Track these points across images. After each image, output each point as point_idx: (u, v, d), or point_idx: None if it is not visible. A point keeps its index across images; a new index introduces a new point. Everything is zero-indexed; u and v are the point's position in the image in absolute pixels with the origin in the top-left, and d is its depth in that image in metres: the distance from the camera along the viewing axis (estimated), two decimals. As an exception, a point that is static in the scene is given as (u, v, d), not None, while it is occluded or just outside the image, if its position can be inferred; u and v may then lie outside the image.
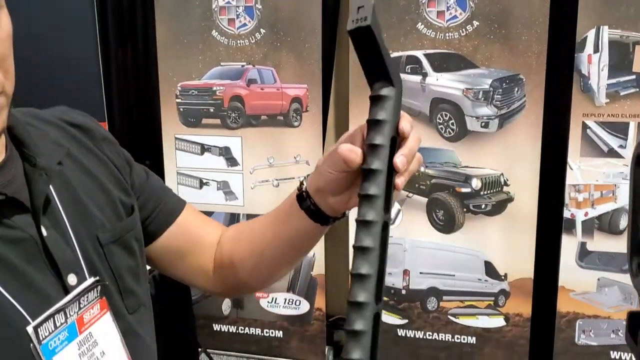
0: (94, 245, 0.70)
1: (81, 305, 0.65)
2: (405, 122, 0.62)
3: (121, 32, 2.64)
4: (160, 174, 2.57)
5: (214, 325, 2.76)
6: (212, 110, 2.52)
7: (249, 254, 0.84)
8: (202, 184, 2.59)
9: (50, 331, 0.60)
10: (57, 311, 0.62)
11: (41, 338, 0.59)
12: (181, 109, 2.55)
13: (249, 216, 2.59)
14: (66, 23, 2.48)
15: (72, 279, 0.65)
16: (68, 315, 0.63)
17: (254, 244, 0.84)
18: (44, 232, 0.64)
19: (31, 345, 0.59)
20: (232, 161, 2.54)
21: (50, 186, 0.68)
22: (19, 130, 0.68)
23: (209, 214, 2.61)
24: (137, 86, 2.69)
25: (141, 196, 0.82)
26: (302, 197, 0.75)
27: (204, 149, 2.56)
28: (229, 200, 2.59)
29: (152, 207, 0.84)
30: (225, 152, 2.54)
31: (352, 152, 0.63)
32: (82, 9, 2.45)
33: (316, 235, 0.79)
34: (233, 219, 2.61)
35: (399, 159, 0.61)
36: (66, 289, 0.65)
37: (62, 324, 0.62)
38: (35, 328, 0.59)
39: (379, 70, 0.62)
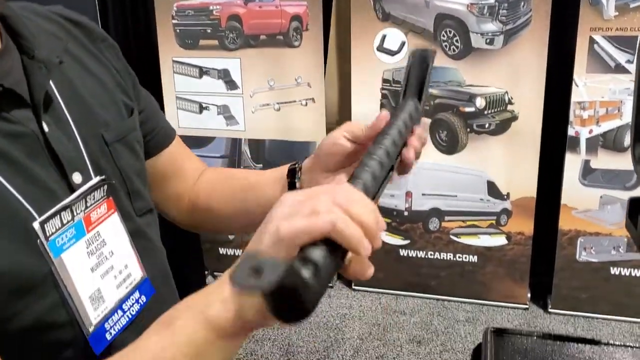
0: (99, 144, 0.68)
1: (88, 204, 0.63)
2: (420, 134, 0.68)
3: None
4: (159, 98, 2.54)
5: (219, 249, 2.79)
6: (209, 31, 2.46)
7: (226, 206, 0.85)
8: (202, 108, 2.56)
9: (57, 228, 0.59)
10: (63, 208, 0.60)
11: (48, 234, 0.58)
12: (178, 31, 2.49)
13: (251, 141, 2.58)
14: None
15: (77, 177, 0.63)
16: (75, 213, 0.62)
17: (234, 200, 0.85)
18: (46, 128, 0.62)
19: (38, 241, 0.58)
20: (231, 84, 2.50)
21: (51, 81, 0.65)
22: (15, 20, 0.65)
23: (209, 139, 2.59)
24: (132, 8, 2.62)
25: (142, 112, 0.81)
26: (294, 172, 0.75)
27: (203, 71, 2.51)
28: (230, 125, 2.57)
29: (150, 128, 0.82)
30: (224, 75, 2.50)
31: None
32: None
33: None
34: (235, 144, 2.60)
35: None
36: (71, 188, 0.62)
37: (68, 221, 0.61)
38: (42, 224, 0.58)
39: (417, 88, 0.71)
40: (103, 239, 0.65)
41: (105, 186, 0.66)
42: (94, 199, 0.64)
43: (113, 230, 0.66)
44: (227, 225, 0.90)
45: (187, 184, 0.89)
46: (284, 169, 0.79)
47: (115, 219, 0.67)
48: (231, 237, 2.79)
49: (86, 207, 0.63)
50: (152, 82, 2.51)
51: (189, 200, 0.89)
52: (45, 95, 0.63)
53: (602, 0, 2.09)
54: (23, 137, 0.60)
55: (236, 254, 2.79)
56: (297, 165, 0.76)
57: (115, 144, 0.70)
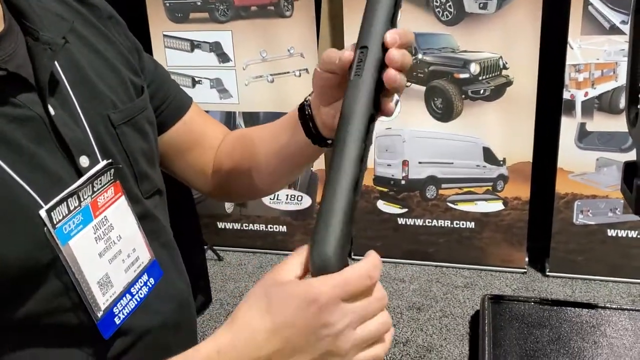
0: (106, 126, 0.66)
1: (95, 189, 0.62)
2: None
3: None
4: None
5: (218, 223, 2.80)
6: (199, 3, 2.42)
7: (247, 164, 0.82)
8: (194, 82, 2.54)
9: (64, 215, 0.58)
10: (70, 194, 0.59)
11: (55, 222, 0.57)
12: (167, 4, 2.45)
13: (245, 114, 2.56)
14: None
15: (84, 160, 0.62)
16: (82, 199, 0.61)
17: (252, 156, 0.82)
18: (52, 111, 0.60)
19: (45, 229, 0.57)
20: (223, 57, 2.48)
21: (56, 63, 0.63)
22: (19, 1, 0.62)
23: (204, 113, 2.58)
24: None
25: (151, 84, 0.79)
26: (304, 108, 0.72)
27: (194, 45, 2.48)
28: (224, 98, 2.55)
29: (162, 98, 0.80)
30: (216, 48, 2.47)
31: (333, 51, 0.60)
32: None
33: (310, 155, 0.76)
34: (229, 117, 2.58)
35: (389, 35, 0.57)
36: (79, 172, 0.61)
37: (75, 207, 0.60)
38: (48, 212, 0.57)
39: None
40: (111, 224, 0.64)
41: (112, 170, 0.65)
42: (100, 183, 0.63)
43: (120, 214, 0.66)
44: (252, 184, 0.83)
45: (210, 153, 0.86)
46: (294, 109, 0.75)
47: (122, 203, 0.66)
48: (229, 210, 2.79)
49: (93, 192, 0.62)
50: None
51: (214, 169, 0.86)
52: (51, 77, 0.61)
53: (596, -40, 2.06)
54: (29, 122, 0.59)
55: (235, 227, 2.80)
56: (306, 103, 0.73)
57: (122, 126, 0.69)
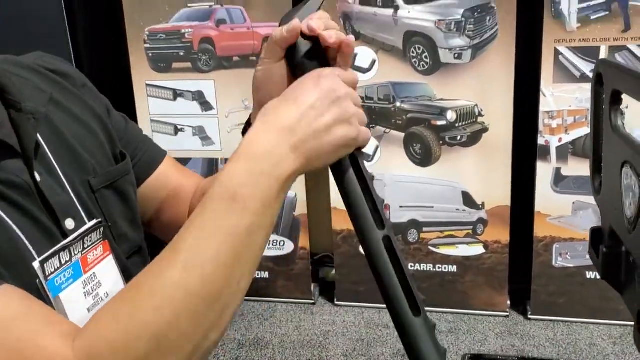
0: (86, 190, 0.70)
1: (85, 245, 0.65)
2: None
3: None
4: (133, 122, 2.54)
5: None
6: (182, 53, 2.47)
7: None
8: (177, 130, 2.57)
9: (56, 268, 0.61)
10: (63, 249, 0.62)
11: (47, 274, 0.60)
12: (150, 55, 2.50)
13: (227, 161, 2.59)
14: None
15: (69, 223, 0.65)
16: (73, 254, 0.64)
17: None
18: (38, 177, 0.64)
19: (37, 280, 0.59)
20: (206, 105, 2.52)
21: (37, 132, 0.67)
22: (1, 76, 0.67)
23: (186, 160, 2.60)
24: (104, 33, 2.62)
25: (122, 141, 0.81)
26: (246, 130, 0.75)
27: (177, 94, 2.53)
28: (206, 145, 2.58)
29: (131, 156, 0.83)
30: (199, 97, 2.51)
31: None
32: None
33: None
34: (211, 164, 2.61)
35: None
36: (64, 234, 0.65)
37: (67, 261, 0.63)
38: (42, 263, 0.60)
39: None
40: (99, 280, 0.67)
41: (102, 229, 0.68)
42: (91, 240, 0.67)
43: (108, 271, 0.68)
44: None
45: (184, 208, 0.88)
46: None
47: (110, 261, 0.69)
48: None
49: (83, 249, 0.65)
50: (126, 107, 2.52)
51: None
52: (35, 145, 0.65)
53: (564, 13, 2.15)
54: (18, 187, 0.62)
55: (217, 274, 2.78)
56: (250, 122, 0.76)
57: (102, 190, 0.72)
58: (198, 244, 0.55)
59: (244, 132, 0.75)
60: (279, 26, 0.68)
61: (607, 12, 2.12)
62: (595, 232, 0.64)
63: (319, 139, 0.61)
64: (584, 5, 2.13)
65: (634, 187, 0.52)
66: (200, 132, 2.56)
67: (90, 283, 0.65)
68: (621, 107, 0.58)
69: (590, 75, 2.19)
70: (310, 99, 0.62)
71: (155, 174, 0.86)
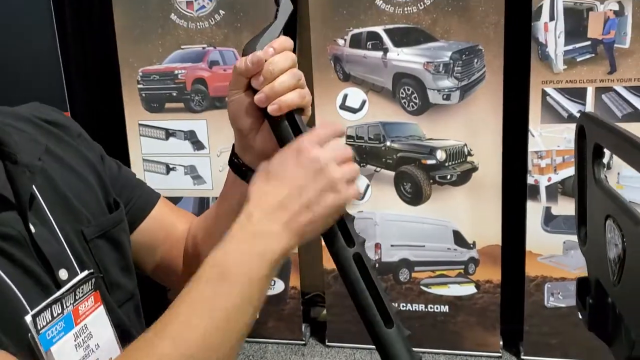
0: (80, 240, 0.71)
1: (77, 297, 0.66)
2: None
3: (79, 20, 2.59)
4: (126, 161, 2.55)
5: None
6: (174, 94, 2.50)
7: (207, 236, 0.85)
8: (168, 169, 2.58)
9: (48, 321, 0.62)
10: (54, 301, 0.63)
11: (39, 327, 0.60)
12: (143, 95, 2.52)
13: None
14: (23, 16, 2.43)
15: (63, 273, 0.66)
16: (64, 307, 0.64)
17: (210, 227, 0.85)
18: (32, 228, 0.65)
19: (29, 335, 0.60)
20: (198, 145, 2.53)
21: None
22: None
23: (177, 199, 2.60)
24: (98, 74, 2.65)
25: (114, 189, 0.82)
26: (232, 159, 0.77)
27: (169, 133, 2.54)
28: (197, 184, 2.58)
29: (125, 201, 0.83)
30: (191, 136, 2.53)
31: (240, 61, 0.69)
32: (37, 2, 2.40)
33: None
34: (202, 203, 2.60)
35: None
36: (58, 284, 0.65)
37: (58, 314, 0.63)
38: (34, 317, 0.60)
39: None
40: (90, 332, 0.67)
41: (93, 279, 0.68)
42: (82, 292, 0.67)
43: (99, 323, 0.68)
44: None
45: (179, 248, 0.88)
46: (229, 174, 0.80)
47: (101, 312, 0.69)
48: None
49: (75, 301, 0.66)
50: (119, 146, 2.53)
51: (184, 262, 0.88)
52: (30, 197, 0.65)
53: (551, 55, 2.20)
54: (12, 239, 0.62)
55: (207, 314, 2.75)
56: (235, 160, 0.77)
57: (95, 239, 0.72)
58: (188, 320, 0.58)
59: (230, 162, 0.77)
60: (242, 55, 0.69)
61: (593, 54, 2.17)
62: (582, 283, 0.64)
63: (309, 213, 0.63)
64: (570, 47, 2.18)
65: (617, 240, 0.52)
66: (191, 171, 2.57)
67: (81, 335, 0.66)
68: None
69: (577, 115, 2.23)
70: (295, 175, 0.63)
71: (150, 216, 0.86)
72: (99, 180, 0.78)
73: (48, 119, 0.77)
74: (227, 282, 0.59)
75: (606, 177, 0.59)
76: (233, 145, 0.76)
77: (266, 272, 0.61)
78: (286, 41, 0.70)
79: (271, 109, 0.66)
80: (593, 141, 0.58)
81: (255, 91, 0.68)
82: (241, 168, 0.76)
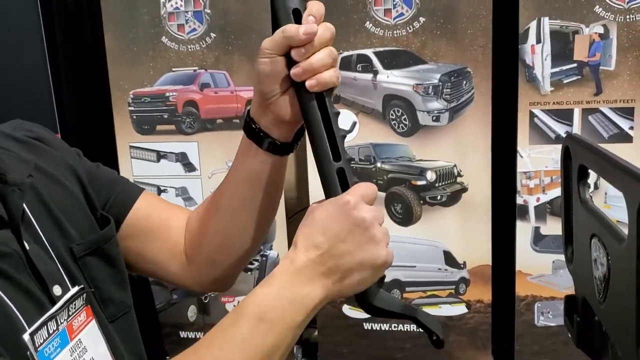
0: (70, 257, 0.72)
1: (70, 313, 0.67)
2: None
3: (69, 43, 2.60)
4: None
5: (180, 332, 2.74)
6: (166, 116, 2.51)
7: (221, 223, 0.84)
8: (160, 191, 2.58)
9: (45, 338, 0.63)
10: (50, 318, 0.65)
11: (37, 345, 0.61)
12: (134, 117, 2.53)
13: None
14: (13, 39, 2.44)
15: (57, 290, 0.68)
16: (59, 323, 0.66)
17: (219, 209, 0.84)
18: (27, 246, 0.66)
19: (28, 352, 0.60)
20: (189, 167, 2.54)
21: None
22: None
23: (169, 221, 2.60)
24: (89, 97, 2.66)
25: (94, 184, 0.82)
26: (248, 124, 0.78)
27: (160, 155, 2.55)
28: (189, 206, 2.58)
29: (106, 196, 0.84)
30: (182, 158, 2.54)
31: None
32: (27, 24, 2.41)
33: (273, 170, 0.81)
34: (194, 224, 2.60)
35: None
36: (52, 300, 0.67)
37: (54, 331, 0.65)
38: (32, 335, 0.61)
39: None
40: (84, 346, 0.68)
41: (84, 294, 0.70)
42: (75, 307, 0.68)
43: (92, 336, 0.70)
44: (233, 239, 0.86)
45: (176, 237, 0.88)
46: (242, 140, 0.81)
47: (93, 326, 0.71)
48: (192, 318, 2.74)
49: (68, 316, 0.67)
50: (110, 168, 2.52)
51: (188, 253, 0.87)
52: (22, 214, 0.66)
53: (538, 77, 2.23)
54: (7, 257, 0.63)
55: (198, 336, 2.74)
56: (253, 125, 0.78)
57: (85, 257, 0.73)
58: (222, 355, 0.62)
59: (245, 127, 0.79)
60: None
61: (579, 76, 2.21)
62: (570, 300, 0.65)
63: (350, 269, 0.68)
64: (557, 69, 2.21)
65: (602, 259, 0.54)
66: (183, 193, 2.57)
67: (76, 350, 0.67)
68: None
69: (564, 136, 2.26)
70: (342, 231, 0.68)
71: (135, 208, 0.87)
72: (84, 190, 0.79)
73: (31, 136, 0.79)
74: (263, 323, 0.62)
75: (591, 197, 0.60)
76: (248, 110, 0.78)
77: (302, 318, 0.65)
78: (322, 7, 0.70)
79: (309, 83, 0.68)
80: (578, 162, 0.60)
81: (289, 58, 0.69)
82: (258, 133, 0.77)
